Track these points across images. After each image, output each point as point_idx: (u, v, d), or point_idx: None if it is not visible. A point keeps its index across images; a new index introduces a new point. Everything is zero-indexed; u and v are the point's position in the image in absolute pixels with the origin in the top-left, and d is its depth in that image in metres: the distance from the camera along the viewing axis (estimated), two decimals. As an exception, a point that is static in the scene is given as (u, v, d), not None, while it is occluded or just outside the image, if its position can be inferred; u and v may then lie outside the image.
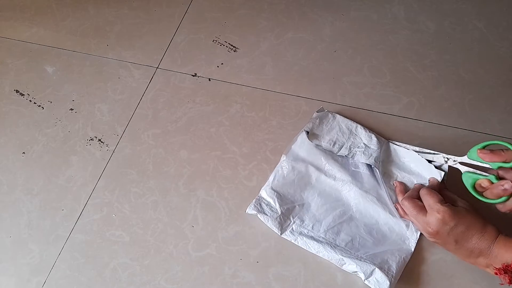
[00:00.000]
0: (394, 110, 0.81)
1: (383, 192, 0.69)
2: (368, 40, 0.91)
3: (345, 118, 0.77)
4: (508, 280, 0.52)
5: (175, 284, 0.67)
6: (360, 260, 0.64)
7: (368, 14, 0.94)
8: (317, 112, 0.78)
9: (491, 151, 0.61)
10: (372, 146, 0.73)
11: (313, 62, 0.88)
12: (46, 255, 0.70)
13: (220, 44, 0.92)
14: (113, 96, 0.86)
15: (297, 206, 0.70)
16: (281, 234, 0.68)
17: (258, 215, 0.70)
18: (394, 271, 0.63)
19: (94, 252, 0.70)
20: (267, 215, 0.69)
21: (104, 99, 0.86)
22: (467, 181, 0.64)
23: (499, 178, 0.61)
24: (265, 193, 0.72)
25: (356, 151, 0.73)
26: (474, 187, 0.63)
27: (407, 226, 0.67)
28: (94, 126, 0.82)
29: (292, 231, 0.68)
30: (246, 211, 0.71)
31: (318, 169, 0.73)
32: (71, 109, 0.85)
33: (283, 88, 0.85)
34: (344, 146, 0.74)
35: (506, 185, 0.58)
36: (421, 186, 0.68)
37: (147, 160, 0.78)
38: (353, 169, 0.72)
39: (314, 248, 0.66)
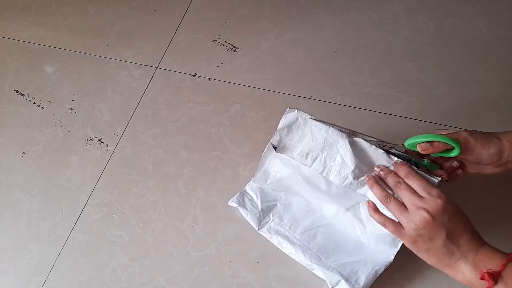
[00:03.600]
0: (394, 110, 0.81)
1: (362, 210, 0.65)
2: (368, 40, 0.91)
3: (318, 122, 0.65)
4: (491, 286, 0.52)
5: (175, 284, 0.67)
6: (328, 269, 0.63)
7: (368, 14, 0.94)
8: (285, 114, 0.67)
9: (430, 143, 0.61)
10: (348, 161, 0.62)
11: (313, 62, 0.88)
12: (46, 255, 0.70)
13: (220, 44, 0.92)
14: (113, 96, 0.86)
15: (278, 204, 0.71)
16: (258, 230, 0.69)
17: (239, 208, 0.70)
18: (362, 284, 0.62)
19: (94, 252, 0.70)
20: (247, 210, 0.70)
21: (104, 99, 0.86)
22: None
23: (432, 163, 0.63)
24: (249, 188, 0.72)
25: (332, 167, 0.63)
26: None
27: (386, 241, 0.63)
28: (94, 126, 0.82)
29: (269, 229, 0.69)
30: (228, 203, 0.71)
31: (304, 178, 0.67)
32: (71, 109, 0.85)
33: (283, 88, 0.85)
34: (318, 158, 0.64)
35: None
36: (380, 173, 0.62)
37: (147, 160, 0.78)
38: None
39: (286, 249, 0.67)
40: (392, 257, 0.63)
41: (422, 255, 0.57)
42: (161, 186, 0.75)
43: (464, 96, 0.82)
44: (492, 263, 0.53)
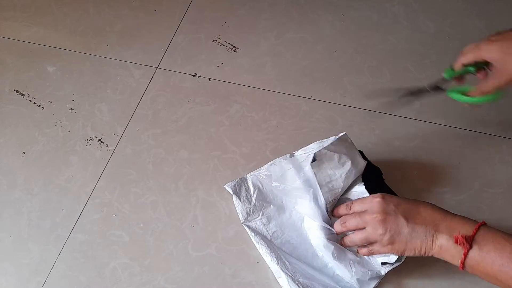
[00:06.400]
0: (394, 110, 0.81)
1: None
2: (368, 40, 0.91)
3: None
4: (466, 250, 0.53)
5: (175, 284, 0.67)
6: (294, 282, 0.62)
7: (368, 14, 0.94)
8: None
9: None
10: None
11: (313, 62, 0.88)
12: (46, 255, 0.70)
13: (220, 44, 0.92)
14: (113, 96, 0.86)
15: (272, 206, 0.70)
16: (242, 222, 0.69)
17: (233, 196, 0.70)
18: None
19: (94, 252, 0.70)
20: (240, 201, 0.70)
21: (104, 99, 0.86)
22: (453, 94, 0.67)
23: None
24: (251, 179, 0.71)
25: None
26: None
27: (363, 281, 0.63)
28: (94, 126, 0.82)
29: (253, 226, 0.68)
30: (224, 186, 0.71)
31: (315, 199, 0.67)
32: (71, 109, 0.85)
33: (283, 88, 0.85)
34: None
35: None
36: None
37: (147, 160, 0.78)
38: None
39: (262, 249, 0.66)
40: None
41: (410, 252, 0.58)
42: (161, 186, 0.75)
43: (464, 96, 0.82)
44: (464, 229, 0.55)
